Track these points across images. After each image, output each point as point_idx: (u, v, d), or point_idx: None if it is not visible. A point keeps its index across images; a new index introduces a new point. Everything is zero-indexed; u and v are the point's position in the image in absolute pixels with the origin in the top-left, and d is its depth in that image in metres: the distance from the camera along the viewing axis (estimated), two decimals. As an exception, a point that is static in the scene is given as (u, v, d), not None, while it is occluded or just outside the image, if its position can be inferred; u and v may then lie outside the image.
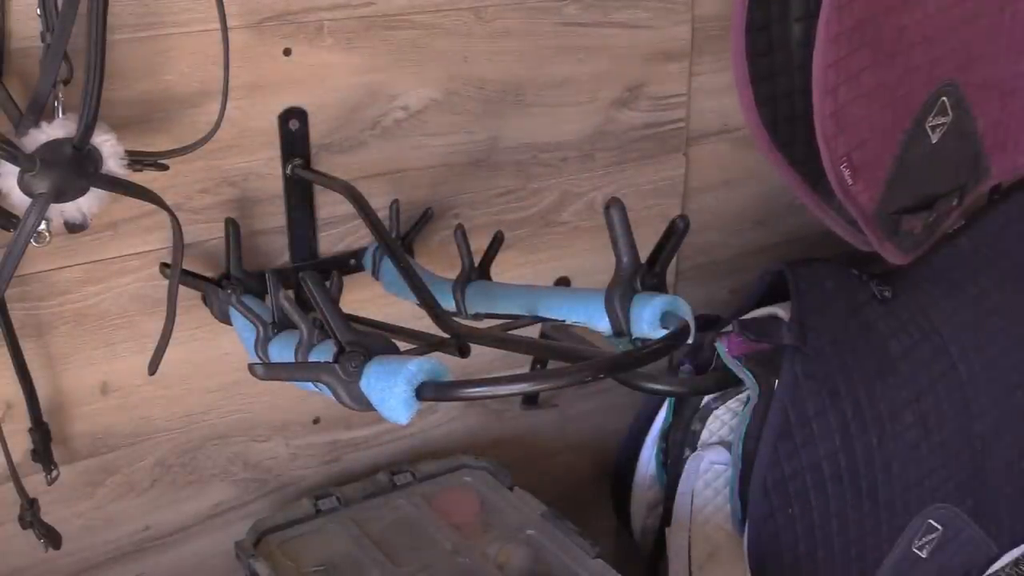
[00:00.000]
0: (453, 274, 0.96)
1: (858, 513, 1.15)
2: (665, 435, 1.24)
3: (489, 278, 0.97)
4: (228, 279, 0.96)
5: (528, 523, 1.10)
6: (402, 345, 0.74)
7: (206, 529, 1.10)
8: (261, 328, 0.84)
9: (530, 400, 1.28)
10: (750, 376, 1.10)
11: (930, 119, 1.15)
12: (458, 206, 1.12)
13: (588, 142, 1.19)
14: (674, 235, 0.81)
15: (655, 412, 1.25)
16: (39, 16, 0.79)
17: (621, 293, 0.79)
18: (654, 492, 1.28)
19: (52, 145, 0.78)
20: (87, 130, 0.79)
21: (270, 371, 0.74)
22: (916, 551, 1.21)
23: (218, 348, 1.03)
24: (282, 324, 0.83)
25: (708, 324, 1.15)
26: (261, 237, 1.02)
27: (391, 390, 0.66)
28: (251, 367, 0.72)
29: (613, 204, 0.78)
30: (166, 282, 0.93)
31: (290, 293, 0.92)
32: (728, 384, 1.14)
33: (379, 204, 1.03)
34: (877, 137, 1.10)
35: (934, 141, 1.16)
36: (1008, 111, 1.25)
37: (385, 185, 1.06)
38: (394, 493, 1.14)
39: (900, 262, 1.21)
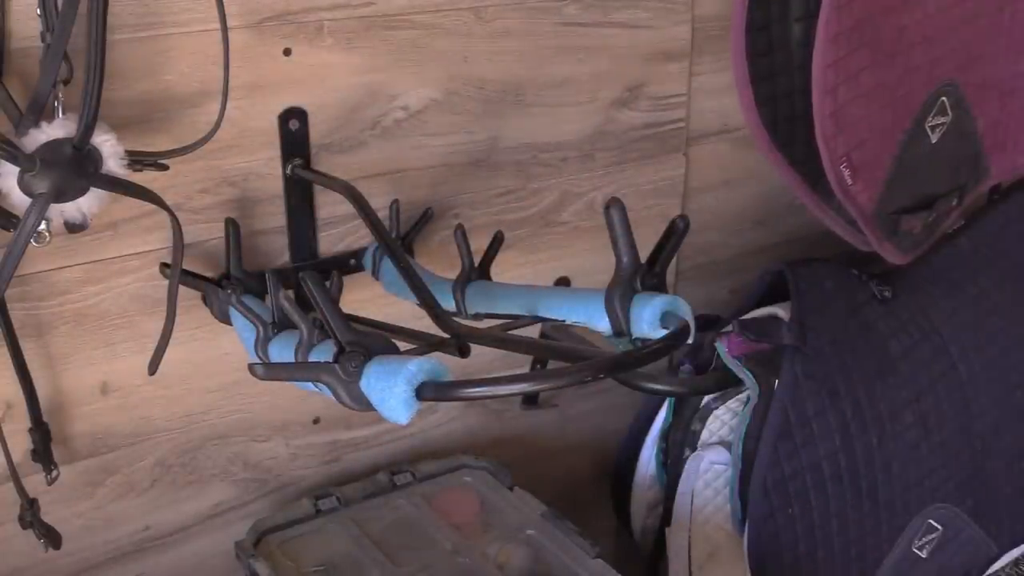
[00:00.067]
0: (453, 274, 0.96)
1: (858, 513, 1.15)
2: (665, 435, 1.24)
3: (489, 278, 0.97)
4: (228, 279, 0.96)
5: (528, 523, 1.10)
6: (402, 345, 0.74)
7: (206, 529, 1.10)
8: (261, 328, 0.84)
9: (530, 400, 1.28)
10: (750, 376, 1.10)
11: (930, 119, 1.15)
12: (458, 206, 1.12)
13: (588, 142, 1.19)
14: (674, 235, 0.81)
15: (655, 412, 1.25)
16: (39, 16, 0.79)
17: (621, 293, 0.79)
18: (654, 492, 1.28)
19: (52, 145, 0.78)
20: (87, 130, 0.79)
21: (270, 371, 0.74)
22: (916, 551, 1.21)
23: (218, 348, 1.03)
24: (282, 324, 0.83)
25: (708, 324, 1.15)
26: (261, 237, 1.02)
27: (391, 390, 0.66)
28: (251, 367, 0.72)
29: (613, 204, 0.78)
30: (166, 282, 0.93)
31: (290, 293, 0.92)
32: (728, 384, 1.14)
33: (379, 204, 1.03)
34: (876, 137, 1.10)
35: (934, 141, 1.16)
36: (1008, 111, 1.25)
37: (385, 185, 1.06)
38: (394, 493, 1.14)
39: (900, 262, 1.21)
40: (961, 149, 1.21)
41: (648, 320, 0.78)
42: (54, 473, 0.96)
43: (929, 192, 1.19)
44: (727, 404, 1.20)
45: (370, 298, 1.07)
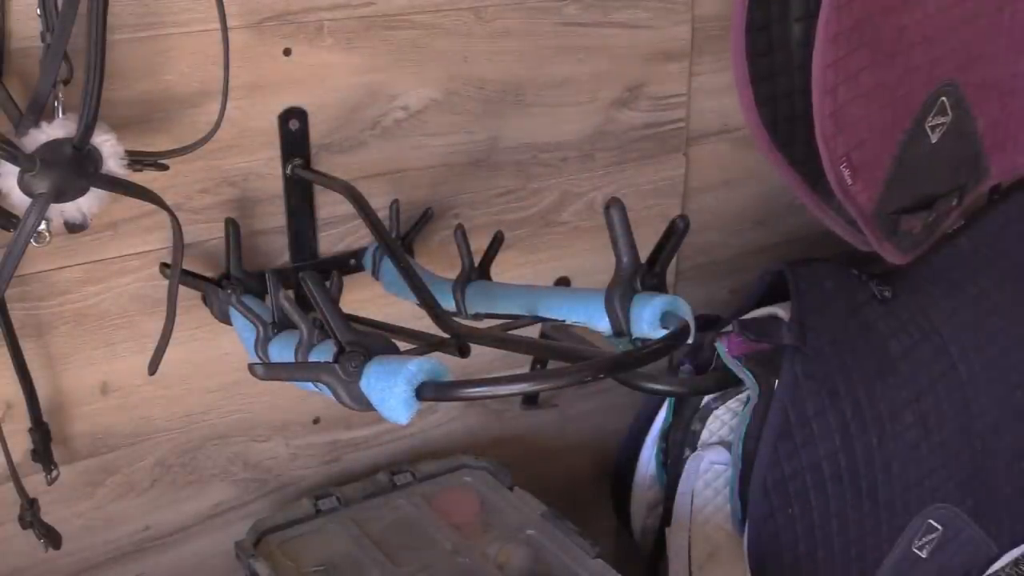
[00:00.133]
0: (453, 274, 0.96)
1: (858, 513, 1.15)
2: (665, 435, 1.24)
3: (489, 278, 0.97)
4: (228, 279, 0.96)
5: (528, 523, 1.10)
6: (402, 345, 0.74)
7: (206, 529, 1.10)
8: (261, 328, 0.84)
9: (530, 400, 1.28)
10: (750, 376, 1.11)
11: (930, 119, 1.15)
12: (458, 206, 1.12)
13: (588, 142, 1.19)
14: (674, 235, 0.81)
15: (655, 412, 1.25)
16: (39, 16, 0.79)
17: (621, 293, 0.79)
18: (654, 492, 1.28)
19: (52, 145, 0.78)
20: (87, 130, 0.79)
21: (270, 371, 0.74)
22: (916, 551, 1.21)
23: (218, 348, 1.03)
24: (282, 324, 0.83)
25: (708, 324, 1.15)
26: (261, 237, 1.02)
27: (391, 390, 0.66)
28: (251, 367, 0.72)
29: (613, 204, 0.78)
30: (166, 282, 0.93)
31: (290, 293, 0.92)
32: (728, 384, 1.14)
33: (379, 204, 1.03)
34: (876, 137, 1.10)
35: (934, 141, 1.16)
36: (1008, 111, 1.25)
37: (385, 185, 1.06)
38: (394, 493, 1.14)
39: (900, 262, 1.21)
40: (961, 149, 1.21)
41: (648, 320, 0.78)
42: (54, 473, 0.96)
43: (929, 192, 1.19)
44: (727, 404, 1.20)
45: (370, 298, 1.07)
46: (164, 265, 0.96)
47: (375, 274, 1.05)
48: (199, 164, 0.94)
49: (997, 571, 1.34)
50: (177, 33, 0.90)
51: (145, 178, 0.87)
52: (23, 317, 0.91)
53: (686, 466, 1.20)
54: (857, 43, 1.04)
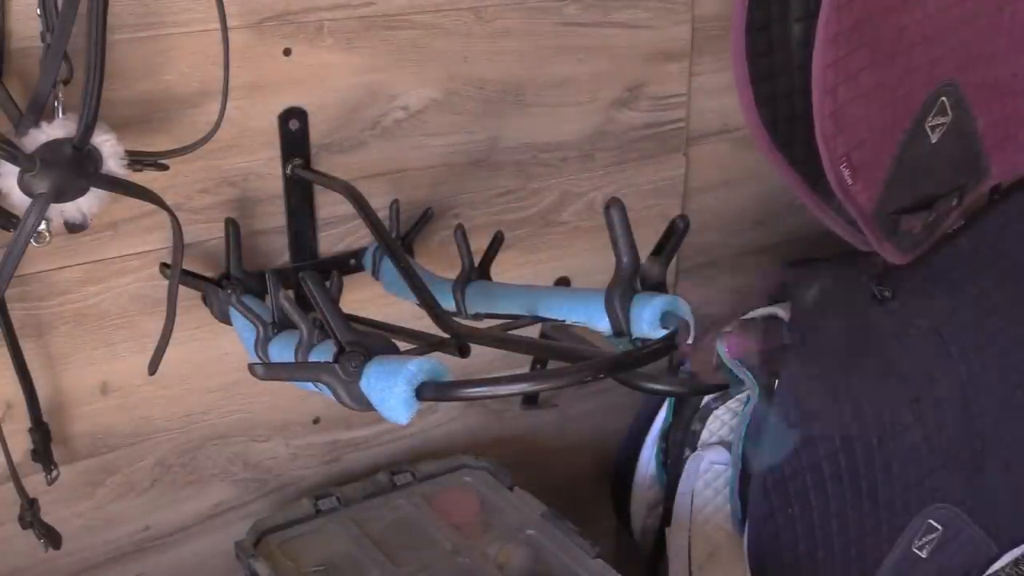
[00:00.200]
0: (453, 274, 0.96)
1: (858, 513, 1.15)
2: (665, 435, 1.24)
3: (489, 278, 0.97)
4: (228, 279, 0.96)
5: (528, 523, 1.10)
6: (402, 345, 0.74)
7: (206, 529, 1.10)
8: (261, 328, 0.84)
9: (530, 400, 1.28)
10: (750, 376, 1.11)
11: (930, 119, 1.15)
12: (458, 206, 1.12)
13: (588, 142, 1.19)
14: (674, 235, 0.81)
15: (655, 412, 1.25)
16: (39, 16, 0.79)
17: (621, 293, 0.79)
18: (654, 492, 1.28)
19: (52, 145, 0.78)
20: (87, 130, 0.79)
21: (270, 371, 0.74)
22: (916, 551, 1.22)
23: (218, 348, 1.03)
24: (282, 324, 0.83)
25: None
26: (261, 237, 1.02)
27: (391, 390, 0.66)
28: (251, 367, 0.72)
29: (613, 204, 0.78)
30: (166, 282, 0.93)
31: (290, 293, 0.92)
32: (728, 384, 1.14)
33: (379, 204, 1.03)
34: (876, 137, 1.10)
35: (934, 141, 1.16)
36: (1008, 111, 1.25)
37: (385, 185, 1.06)
38: (394, 493, 1.14)
39: (900, 262, 1.21)
40: (961, 149, 1.21)
41: (648, 320, 0.78)
42: (54, 473, 0.96)
43: (929, 192, 1.19)
44: (727, 404, 1.20)
45: (370, 298, 1.07)
46: (164, 265, 0.96)
47: (375, 274, 1.05)
48: (199, 164, 0.94)
49: (997, 571, 1.34)
50: (177, 33, 0.90)
51: (145, 178, 0.87)
52: (23, 317, 0.91)
53: (686, 466, 1.20)
54: (857, 43, 1.04)
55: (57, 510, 0.99)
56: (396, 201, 1.05)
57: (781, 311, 1.15)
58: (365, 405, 0.69)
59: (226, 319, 0.96)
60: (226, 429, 1.07)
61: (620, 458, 1.31)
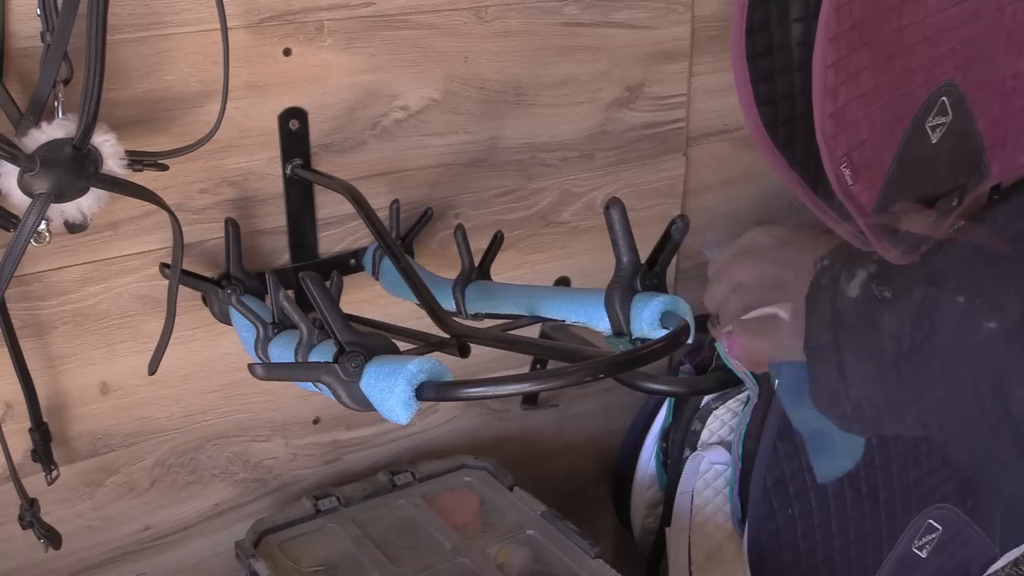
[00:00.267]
0: (453, 274, 0.96)
1: (858, 513, 1.15)
2: (665, 435, 1.24)
3: (489, 278, 0.97)
4: (228, 279, 0.96)
5: (528, 523, 1.10)
6: (402, 345, 0.74)
7: (206, 529, 1.10)
8: (261, 328, 0.84)
9: (530, 400, 1.28)
10: (750, 376, 1.11)
11: (930, 119, 1.14)
12: (458, 206, 1.12)
13: (588, 142, 1.19)
14: (674, 235, 0.81)
15: (655, 412, 1.25)
16: (39, 16, 0.79)
17: (621, 293, 0.79)
18: (654, 492, 1.28)
19: (52, 145, 0.78)
20: (87, 130, 0.79)
21: (270, 371, 0.74)
22: (916, 551, 1.22)
23: (218, 348, 1.03)
24: (282, 324, 0.83)
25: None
26: (261, 237, 1.02)
27: (391, 390, 0.66)
28: (251, 367, 0.72)
29: (613, 204, 0.78)
30: (166, 282, 0.93)
31: (290, 293, 0.92)
32: (728, 384, 1.14)
33: (379, 204, 1.03)
34: (877, 137, 1.10)
35: (934, 141, 1.16)
36: (1008, 111, 1.25)
37: (385, 185, 1.06)
38: (394, 493, 1.14)
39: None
40: (961, 149, 1.21)
41: (648, 320, 0.78)
42: (54, 473, 0.96)
43: (929, 192, 1.19)
44: (727, 404, 1.20)
45: (370, 298, 1.07)
46: (164, 265, 0.96)
47: (375, 274, 1.05)
48: (199, 164, 0.94)
49: (997, 571, 1.34)
50: (177, 33, 0.90)
51: (145, 178, 0.87)
52: (23, 317, 0.91)
53: (686, 466, 1.20)
54: (858, 43, 1.04)
55: (57, 510, 0.99)
56: (396, 201, 1.05)
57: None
58: (365, 405, 0.69)
59: (226, 319, 0.96)
60: (226, 429, 1.07)
61: (620, 458, 1.31)
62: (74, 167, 0.79)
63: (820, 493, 1.12)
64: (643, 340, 0.79)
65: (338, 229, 1.05)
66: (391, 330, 0.84)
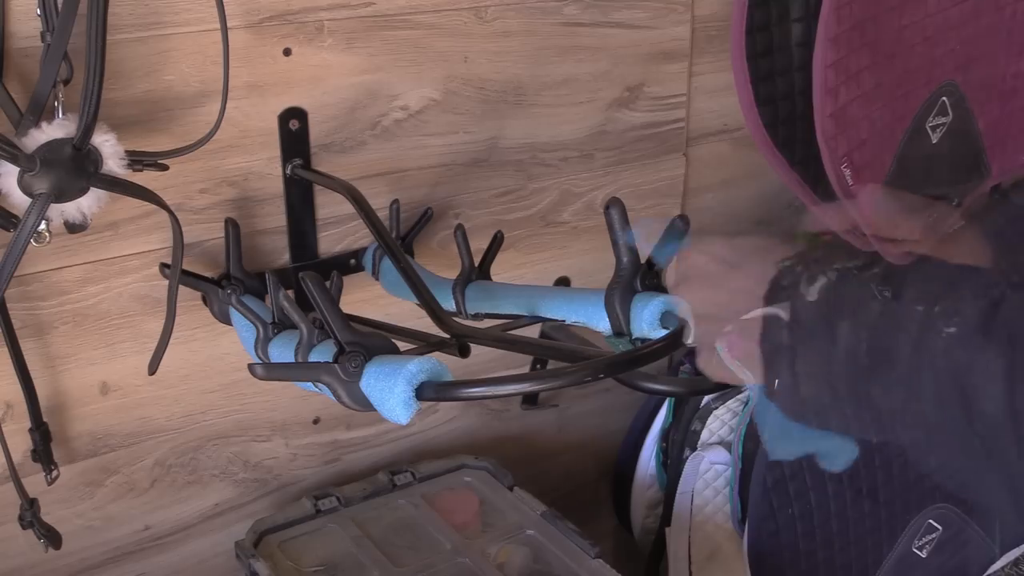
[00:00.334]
0: (453, 274, 0.96)
1: (858, 513, 1.15)
2: (665, 435, 1.24)
3: (489, 278, 0.97)
4: (228, 279, 0.96)
5: (528, 523, 1.10)
6: (402, 345, 0.74)
7: (206, 529, 1.10)
8: (261, 328, 0.84)
9: (530, 400, 1.28)
10: (750, 376, 1.10)
11: (930, 119, 1.15)
12: (458, 206, 1.12)
13: (588, 142, 1.19)
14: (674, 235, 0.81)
15: (655, 412, 1.25)
16: (39, 16, 0.79)
17: (621, 293, 0.79)
18: (654, 492, 1.28)
19: (52, 145, 0.78)
20: (87, 130, 0.79)
21: (270, 371, 0.74)
22: (916, 551, 1.22)
23: (218, 348, 1.03)
24: (282, 324, 0.83)
25: None
26: (261, 237, 1.02)
27: (391, 390, 0.66)
28: (251, 367, 0.72)
29: (613, 204, 0.78)
30: (166, 282, 0.93)
31: (290, 293, 0.92)
32: (728, 384, 1.14)
33: (379, 204, 1.03)
34: (877, 137, 1.10)
35: (934, 141, 1.16)
36: (1008, 111, 1.25)
37: (385, 185, 1.06)
38: (394, 493, 1.14)
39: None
40: (962, 149, 1.21)
41: (648, 320, 0.78)
42: (54, 473, 0.96)
43: (929, 192, 1.19)
44: (727, 404, 1.20)
45: (370, 298, 1.07)
46: (164, 265, 0.96)
47: (375, 274, 1.05)
48: (199, 164, 0.94)
49: (997, 571, 1.34)
50: (177, 33, 0.90)
51: (145, 178, 0.87)
52: (23, 317, 0.91)
53: (686, 466, 1.20)
54: (858, 43, 1.04)
55: (57, 510, 0.99)
56: (396, 201, 1.05)
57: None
58: (365, 405, 0.69)
59: (226, 319, 0.96)
60: (226, 429, 1.07)
61: (620, 458, 1.31)
62: (74, 167, 0.79)
63: (820, 493, 1.12)
64: (643, 340, 0.79)
65: (338, 229, 1.05)
66: (391, 330, 0.84)
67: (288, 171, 1.00)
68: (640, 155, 1.24)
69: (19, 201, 0.79)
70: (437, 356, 0.70)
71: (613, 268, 0.80)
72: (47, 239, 0.83)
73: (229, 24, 0.87)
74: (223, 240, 0.96)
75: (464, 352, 0.79)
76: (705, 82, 1.26)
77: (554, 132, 1.16)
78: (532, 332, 1.05)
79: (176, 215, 0.88)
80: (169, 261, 0.93)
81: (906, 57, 1.10)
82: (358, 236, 1.06)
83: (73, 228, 0.84)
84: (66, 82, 0.81)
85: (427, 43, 1.03)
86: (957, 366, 0.63)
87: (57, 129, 0.79)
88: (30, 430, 0.94)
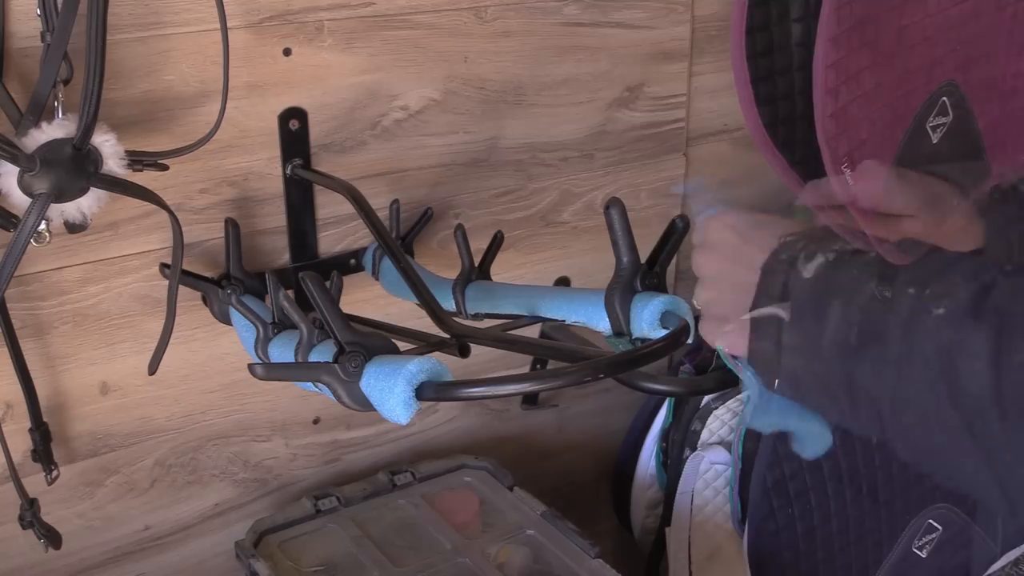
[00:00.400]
0: (453, 274, 0.96)
1: (858, 513, 1.15)
2: (665, 435, 1.24)
3: (489, 278, 0.97)
4: (228, 279, 0.96)
5: (528, 523, 1.10)
6: (402, 345, 0.74)
7: (206, 529, 1.10)
8: (261, 328, 0.84)
9: (530, 400, 1.28)
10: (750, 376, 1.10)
11: (931, 119, 1.14)
12: (458, 206, 1.12)
13: (588, 142, 1.19)
14: (674, 235, 0.81)
15: (655, 412, 1.25)
16: (39, 16, 0.79)
17: (621, 293, 0.79)
18: (654, 492, 1.28)
19: (52, 145, 0.78)
20: (87, 130, 0.79)
21: (270, 371, 0.74)
22: (916, 551, 1.22)
23: (218, 348, 1.03)
24: (282, 324, 0.83)
25: None
26: (261, 237, 1.02)
27: (391, 390, 0.66)
28: (251, 367, 0.72)
29: (613, 204, 0.78)
30: (166, 282, 0.93)
31: (290, 293, 0.92)
32: (728, 384, 1.14)
33: (379, 204, 1.03)
34: (878, 137, 1.10)
35: (935, 141, 1.16)
36: (1008, 111, 1.25)
37: (385, 185, 1.06)
38: (394, 493, 1.14)
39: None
40: (962, 149, 1.21)
41: (648, 320, 0.78)
42: (54, 473, 0.96)
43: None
44: (727, 404, 1.20)
45: (370, 298, 1.07)
46: (164, 265, 0.96)
47: (375, 274, 1.05)
48: (199, 164, 0.94)
49: (997, 571, 1.34)
50: (177, 33, 0.90)
51: (145, 178, 0.87)
52: (23, 317, 0.91)
53: (686, 466, 1.20)
54: (858, 43, 1.04)
55: (57, 510, 0.99)
56: (396, 201, 1.05)
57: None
58: (365, 405, 0.69)
59: (226, 319, 0.96)
60: (226, 429, 1.07)
61: (620, 458, 1.31)
62: (74, 167, 0.79)
63: (820, 493, 1.12)
64: (643, 340, 0.79)
65: (338, 229, 1.05)
66: (391, 330, 0.84)
67: (288, 171, 1.00)
68: (640, 155, 1.24)
69: (19, 201, 0.79)
70: (437, 356, 0.70)
71: (613, 268, 0.80)
72: (47, 239, 0.83)
73: (229, 24, 0.87)
74: (223, 240, 0.96)
75: (464, 352, 0.79)
76: (705, 82, 1.26)
77: (554, 132, 1.16)
78: (532, 332, 1.05)
79: (176, 215, 0.88)
80: (169, 261, 0.93)
81: (906, 57, 1.10)
82: (358, 236, 1.06)
83: (73, 228, 0.84)
84: (66, 82, 0.81)
85: (427, 43, 1.03)
86: (944, 344, 0.64)
87: (57, 129, 0.79)
88: (30, 430, 0.94)
